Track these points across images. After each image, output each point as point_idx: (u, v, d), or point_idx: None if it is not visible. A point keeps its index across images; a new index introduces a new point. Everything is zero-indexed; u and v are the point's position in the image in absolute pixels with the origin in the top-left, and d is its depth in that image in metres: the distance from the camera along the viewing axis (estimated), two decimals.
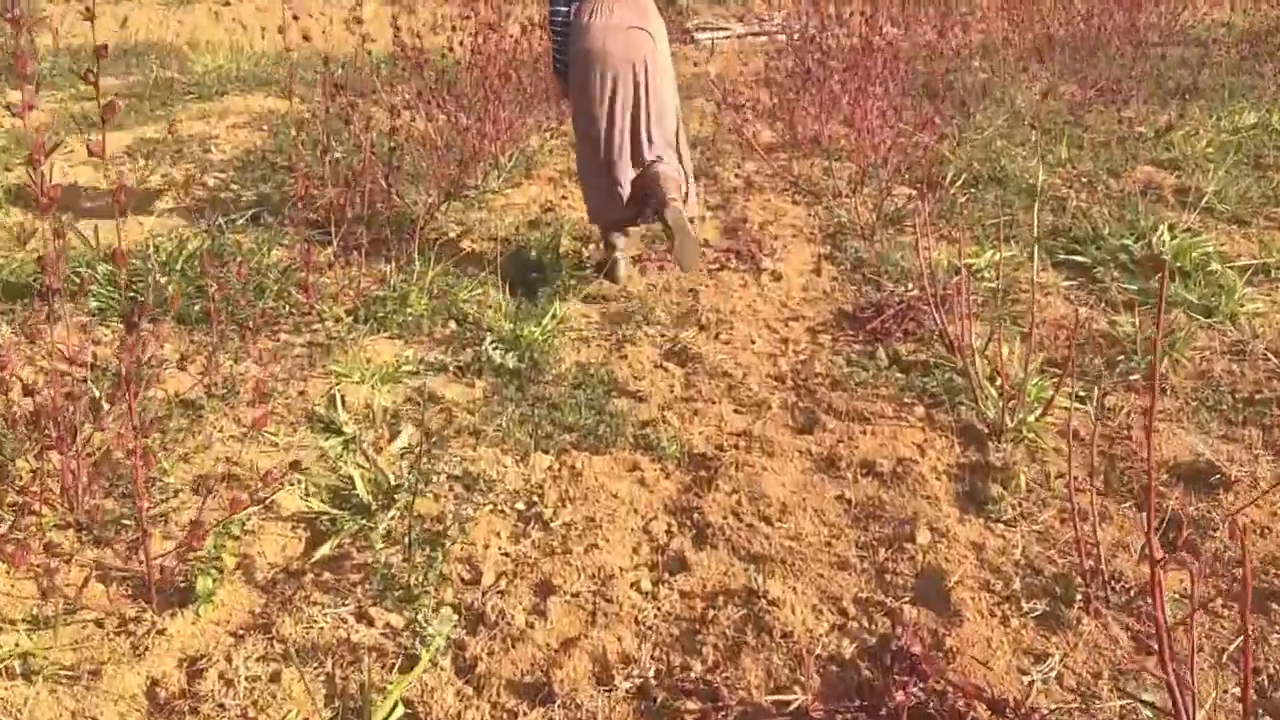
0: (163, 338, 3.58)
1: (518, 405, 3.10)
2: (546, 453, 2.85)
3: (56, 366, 2.38)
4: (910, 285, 3.91)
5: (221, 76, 8.99)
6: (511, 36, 5.39)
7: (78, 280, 3.83)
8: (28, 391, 2.50)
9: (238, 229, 4.59)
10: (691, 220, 3.98)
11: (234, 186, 5.40)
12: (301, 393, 3.18)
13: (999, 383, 2.99)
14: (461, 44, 5.23)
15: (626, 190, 3.97)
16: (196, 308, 3.64)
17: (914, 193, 5.15)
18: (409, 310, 3.75)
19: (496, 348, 3.44)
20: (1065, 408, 2.96)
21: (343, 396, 3.13)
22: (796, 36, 9.23)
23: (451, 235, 4.69)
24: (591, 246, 4.59)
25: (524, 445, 2.87)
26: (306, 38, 8.12)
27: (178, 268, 3.95)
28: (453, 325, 3.72)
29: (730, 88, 8.55)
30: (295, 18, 9.08)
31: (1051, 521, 2.50)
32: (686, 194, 4.02)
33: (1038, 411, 2.89)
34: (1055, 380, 3.01)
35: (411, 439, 2.91)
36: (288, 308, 3.75)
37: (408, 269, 4.01)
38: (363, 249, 4.00)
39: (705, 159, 6.13)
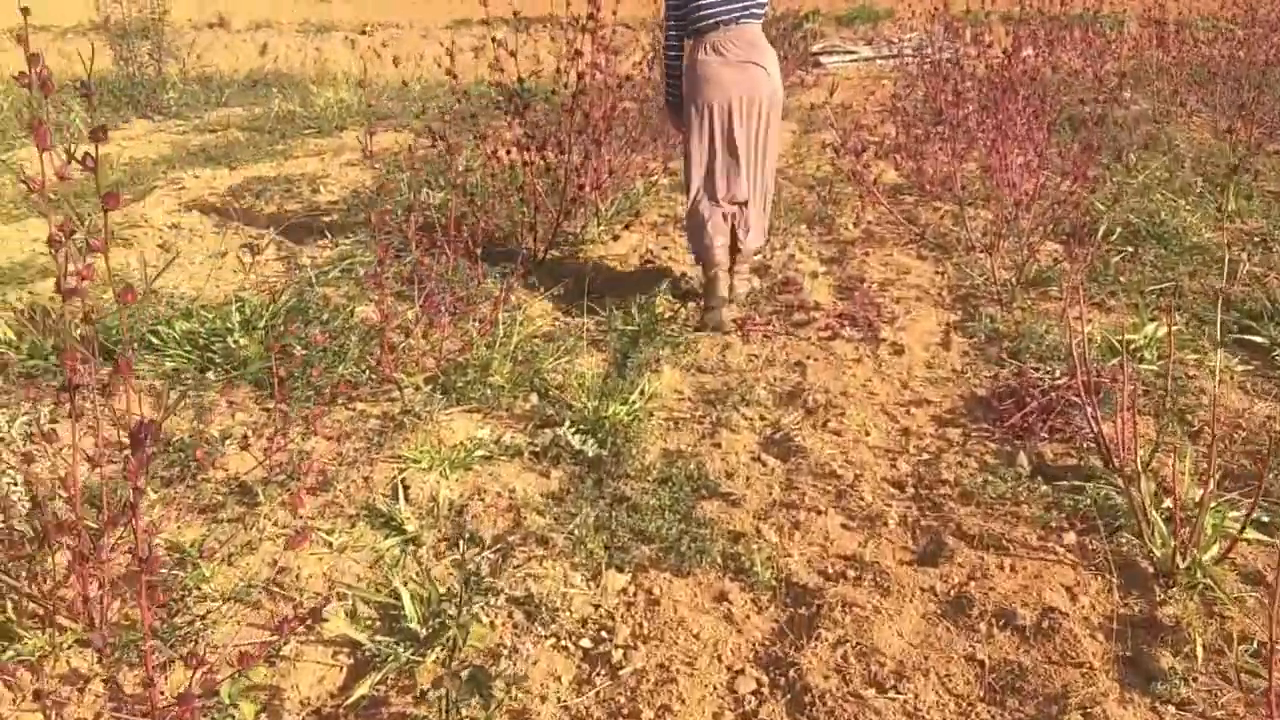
0: (238, 405, 3.42)
1: (594, 505, 2.76)
2: (621, 570, 2.49)
3: (74, 469, 2.14)
4: (1057, 368, 3.41)
5: (342, 110, 8.99)
6: (617, 76, 5.08)
7: (156, 339, 3.68)
8: (35, 500, 2.28)
9: (329, 281, 4.40)
10: (757, 252, 4.27)
11: (332, 233, 5.24)
12: (366, 478, 2.91)
13: (1166, 504, 2.50)
14: (565, 85, 4.94)
15: (721, 223, 4.04)
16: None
17: (1060, 249, 4.63)
18: (490, 380, 3.46)
19: (576, 431, 3.10)
20: (1249, 540, 2.45)
21: (406, 486, 2.84)
22: (928, 64, 8.77)
23: (545, 290, 4.40)
24: (690, 306, 4.22)
25: (597, 559, 2.52)
26: (451, 74, 7.81)
27: (261, 326, 3.75)
28: (534, 399, 3.40)
29: (853, 122, 8.09)
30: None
31: (1235, 706, 2.01)
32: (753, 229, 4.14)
33: (1215, 548, 2.38)
34: (1235, 501, 2.51)
35: (475, 545, 2.60)
36: (367, 373, 3.50)
37: (493, 332, 3.72)
38: (450, 307, 3.74)
39: (821, 203, 5.70)
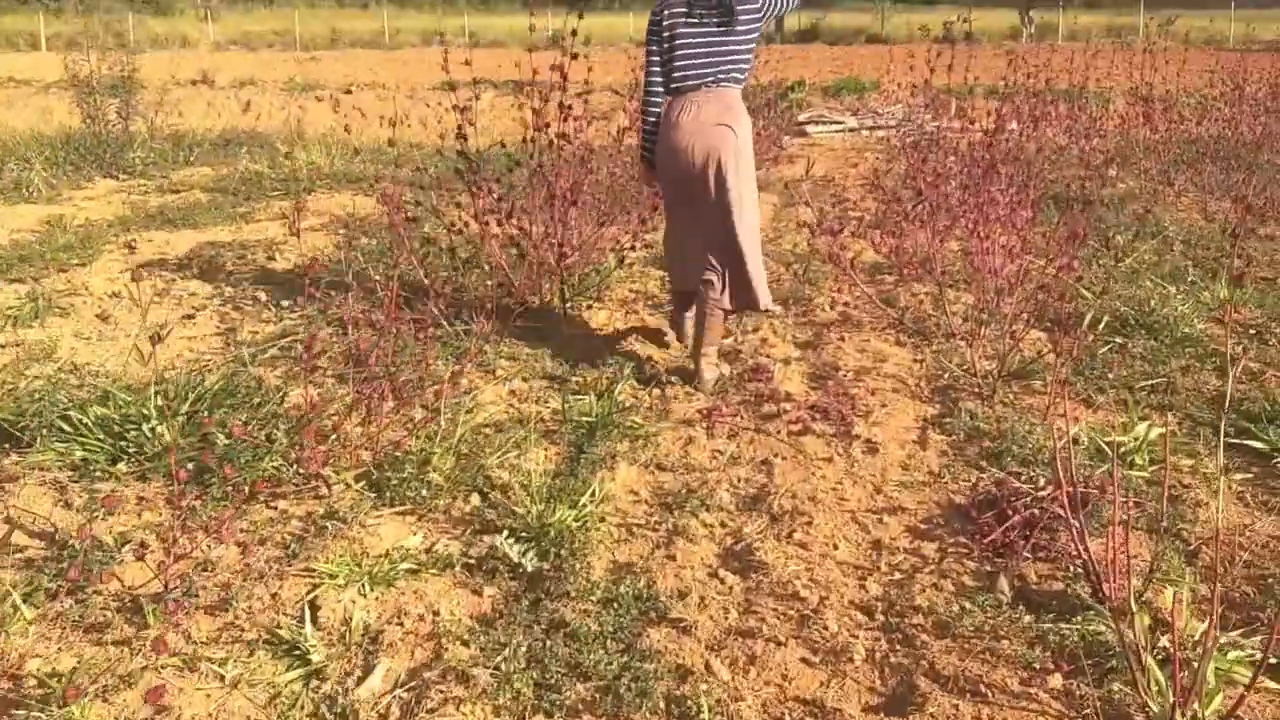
0: (147, 503, 3.12)
1: (527, 632, 2.46)
2: (550, 716, 2.18)
3: None
4: (1041, 474, 3.15)
5: (312, 172, 8.80)
6: (586, 145, 4.88)
7: (67, 425, 3.39)
8: None
9: (266, 360, 4.13)
10: (765, 310, 4.20)
11: (277, 305, 4.98)
12: (274, 595, 2.60)
13: (1164, 642, 2.23)
14: (532, 157, 4.73)
15: (699, 273, 4.04)
16: (194, 464, 3.13)
17: (1045, 338, 4.40)
18: (428, 478, 3.17)
19: (516, 540, 2.81)
20: (1262, 689, 2.17)
21: (316, 607, 2.54)
22: (910, 138, 8.67)
23: (500, 372, 4.14)
24: (655, 392, 3.97)
25: (523, 702, 2.21)
26: (391, 143, 7.67)
27: (183, 411, 3.47)
28: (475, 500, 3.11)
29: (834, 196, 7.93)
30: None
31: None
32: (745, 290, 4.07)
33: (1219, 699, 2.10)
34: (1239, 641, 2.23)
35: (385, 682, 2.29)
36: (295, 468, 3.21)
37: (437, 422, 3.44)
38: (394, 392, 3.47)
39: (798, 282, 5.48)
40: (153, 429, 3.32)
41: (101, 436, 3.33)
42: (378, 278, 4.91)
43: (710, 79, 3.92)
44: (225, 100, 19.08)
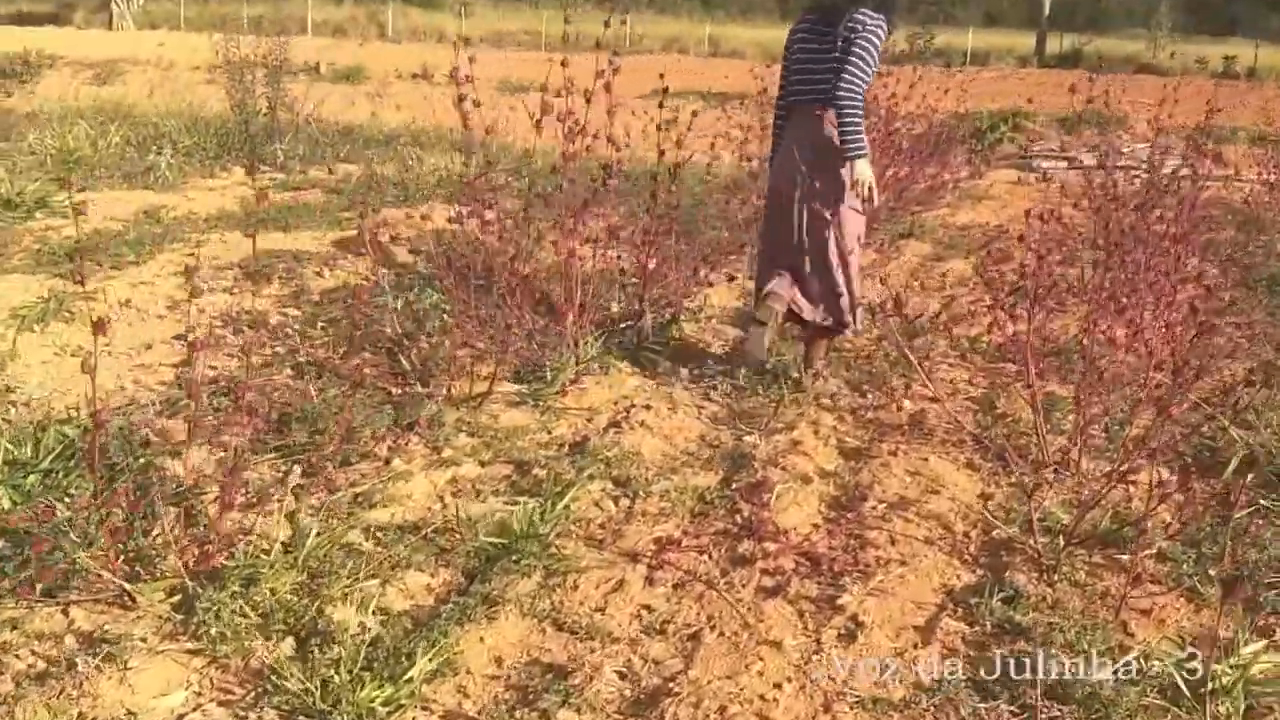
0: None
1: None
2: None
3: None
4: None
5: (439, 179, 8.42)
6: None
7: None
8: None
9: (181, 409, 3.61)
10: (853, 331, 4.32)
11: (286, 331, 4.51)
12: None
13: None
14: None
15: (781, 276, 4.12)
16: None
17: (1170, 479, 3.23)
18: (243, 606, 2.50)
19: None
20: None
21: None
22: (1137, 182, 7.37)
23: (449, 452, 3.44)
24: (626, 502, 3.16)
25: None
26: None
27: (39, 468, 2.99)
28: (287, 647, 2.43)
29: (998, 251, 6.74)
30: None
31: None
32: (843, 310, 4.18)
33: None
34: None
35: None
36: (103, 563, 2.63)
37: (300, 520, 2.78)
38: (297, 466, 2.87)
39: (881, 361, 4.48)
40: None
41: None
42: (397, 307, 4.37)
43: (809, 95, 4.01)
44: (440, 96, 19.46)
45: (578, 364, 4.05)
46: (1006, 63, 30.92)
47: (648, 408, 3.83)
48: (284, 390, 3.76)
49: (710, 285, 5.40)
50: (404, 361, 3.82)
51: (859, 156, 3.91)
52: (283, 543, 2.71)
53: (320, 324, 4.62)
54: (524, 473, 3.33)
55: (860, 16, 3.87)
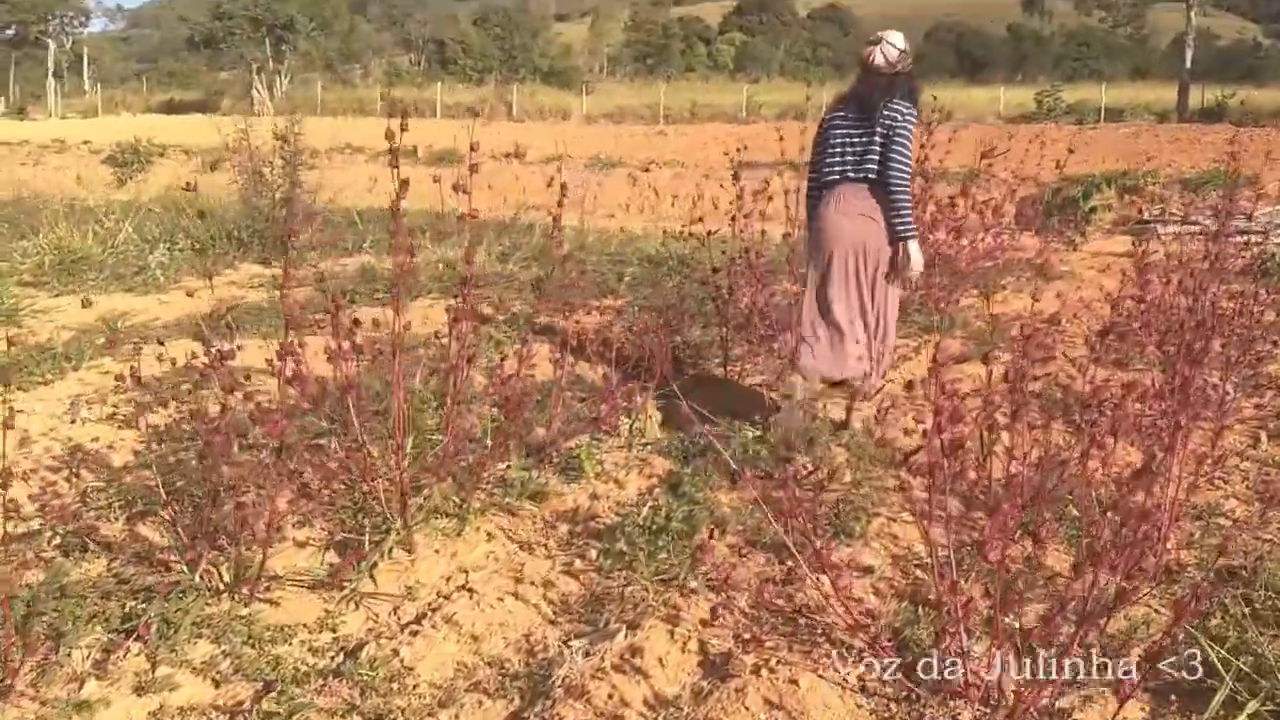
0: None
1: None
2: None
3: None
4: None
5: (436, 274, 7.85)
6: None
7: None
8: None
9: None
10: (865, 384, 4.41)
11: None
12: None
13: None
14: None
15: (822, 347, 4.35)
16: None
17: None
18: None
19: None
20: None
21: None
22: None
23: (165, 671, 2.70)
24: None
25: None
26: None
27: None
28: None
29: (1039, 350, 5.65)
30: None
31: None
32: (873, 364, 4.39)
33: None
34: None
35: None
36: None
37: None
38: None
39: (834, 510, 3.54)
40: None
41: None
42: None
43: (850, 173, 4.32)
44: (530, 174, 19.38)
45: (404, 527, 3.26)
46: (1143, 118, 28.86)
47: (472, 593, 3.01)
48: (41, 568, 3.12)
49: (652, 406, 4.56)
50: (178, 531, 3.13)
51: (912, 237, 4.28)
52: None
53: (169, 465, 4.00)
54: (262, 699, 2.56)
55: (896, 107, 4.24)
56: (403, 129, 3.06)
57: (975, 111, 30.22)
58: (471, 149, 3.37)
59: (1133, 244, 9.77)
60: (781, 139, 5.85)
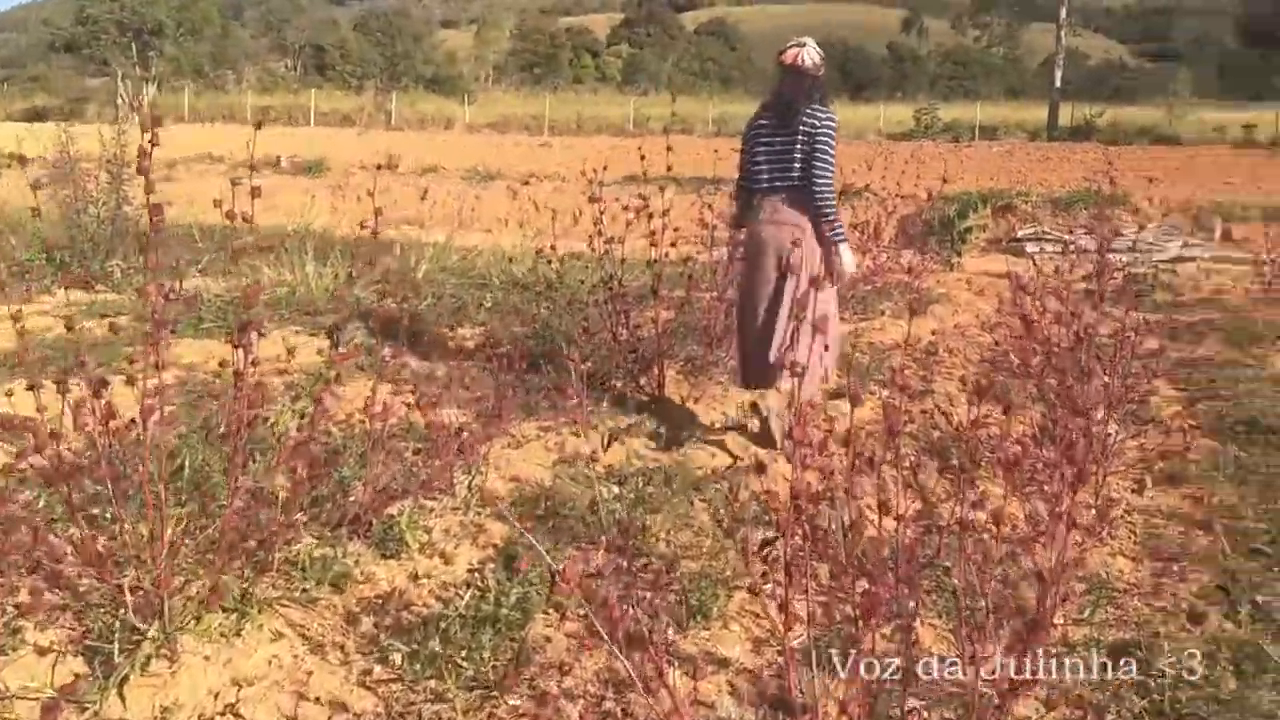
0: None
1: None
2: None
3: None
4: None
5: (309, 290, 7.19)
6: None
7: None
8: None
9: None
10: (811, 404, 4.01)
11: None
12: None
13: None
14: None
15: (758, 351, 4.43)
16: None
17: None
18: None
19: None
20: None
21: None
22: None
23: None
24: None
25: None
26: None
27: None
28: None
29: (919, 380, 5.36)
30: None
31: None
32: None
33: None
34: None
35: None
36: None
37: None
38: None
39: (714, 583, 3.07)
40: None
41: None
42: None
43: (777, 183, 4.37)
44: (403, 186, 18.53)
45: (163, 631, 2.68)
46: (1016, 136, 29.67)
47: (238, 718, 2.45)
48: None
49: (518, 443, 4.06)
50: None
51: (842, 240, 4.37)
52: None
53: None
54: None
55: (815, 112, 4.30)
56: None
57: (858, 128, 30.63)
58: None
59: (1006, 265, 9.72)
60: (670, 150, 5.45)
